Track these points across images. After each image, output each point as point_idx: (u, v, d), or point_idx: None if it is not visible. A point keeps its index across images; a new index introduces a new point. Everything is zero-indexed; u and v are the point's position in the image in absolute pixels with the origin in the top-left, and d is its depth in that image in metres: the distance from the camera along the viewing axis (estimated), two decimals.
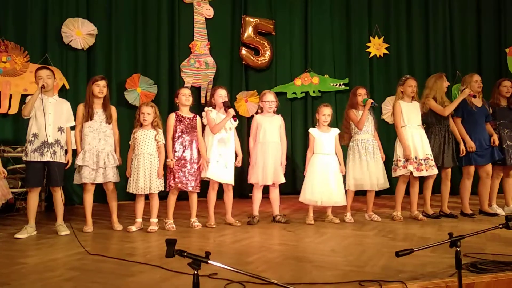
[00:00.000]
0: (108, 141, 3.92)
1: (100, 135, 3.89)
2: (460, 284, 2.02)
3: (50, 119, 3.72)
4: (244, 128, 6.38)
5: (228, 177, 4.10)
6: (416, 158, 4.25)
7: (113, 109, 4.06)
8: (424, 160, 4.25)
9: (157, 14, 6.19)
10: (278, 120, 4.36)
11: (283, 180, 4.27)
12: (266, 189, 4.38)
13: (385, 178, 4.35)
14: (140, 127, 3.93)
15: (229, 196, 4.19)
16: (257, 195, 4.30)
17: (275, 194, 4.32)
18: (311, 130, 4.34)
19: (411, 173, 4.27)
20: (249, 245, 3.31)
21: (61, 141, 3.78)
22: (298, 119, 6.55)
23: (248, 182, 4.34)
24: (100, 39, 5.87)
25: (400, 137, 4.32)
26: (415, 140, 4.28)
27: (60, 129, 3.80)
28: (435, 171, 4.28)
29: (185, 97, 4.05)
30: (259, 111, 4.44)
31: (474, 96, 4.47)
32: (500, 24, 6.89)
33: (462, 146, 4.46)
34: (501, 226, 2.25)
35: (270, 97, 4.34)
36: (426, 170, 4.25)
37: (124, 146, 4.10)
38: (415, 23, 6.88)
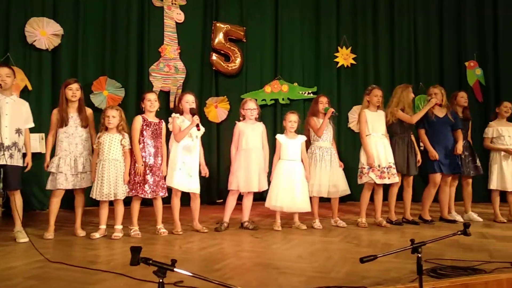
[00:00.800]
0: (85, 145, 3.84)
1: (77, 139, 3.80)
2: None
3: (7, 121, 3.56)
4: (213, 134, 6.37)
5: (192, 186, 4.04)
6: (379, 166, 4.37)
7: (89, 112, 3.97)
8: (387, 168, 4.38)
9: (126, 17, 6.10)
10: (260, 127, 4.38)
11: (266, 187, 4.27)
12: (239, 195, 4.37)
13: (346, 184, 4.44)
14: (105, 131, 3.84)
15: (195, 203, 4.14)
16: (232, 202, 4.29)
17: (249, 201, 4.33)
18: (278, 136, 4.39)
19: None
20: (216, 252, 3.29)
21: (18, 143, 3.64)
22: (268, 126, 6.47)
23: (228, 189, 4.30)
24: (66, 40, 5.71)
25: (364, 145, 4.44)
26: (379, 149, 4.40)
27: (18, 131, 3.65)
28: (396, 179, 4.42)
29: (150, 103, 3.97)
30: (241, 118, 4.43)
31: (440, 105, 4.65)
32: (460, 40, 7.22)
33: (419, 157, 4.63)
34: (459, 232, 2.34)
35: (251, 104, 4.35)
36: (389, 178, 4.38)
37: None
38: (381, 35, 7.10)
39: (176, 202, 4.05)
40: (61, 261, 2.86)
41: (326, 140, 4.45)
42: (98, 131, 3.91)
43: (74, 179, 3.75)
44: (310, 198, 4.36)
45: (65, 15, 5.75)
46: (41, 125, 5.08)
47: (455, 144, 4.66)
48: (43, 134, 5.11)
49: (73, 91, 3.80)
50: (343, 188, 4.43)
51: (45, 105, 5.49)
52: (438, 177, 4.65)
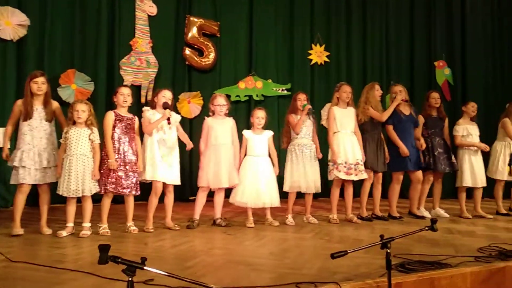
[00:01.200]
0: (49, 139, 3.72)
1: (41, 133, 3.68)
2: (390, 284, 2.13)
3: None
4: (186, 129, 6.26)
5: (173, 177, 4.01)
6: (346, 162, 4.41)
7: (56, 105, 3.85)
8: (354, 165, 4.42)
9: (96, 8, 5.93)
10: (230, 123, 4.35)
11: (237, 182, 4.24)
12: (210, 193, 4.34)
13: (319, 181, 4.47)
14: (72, 126, 3.71)
15: (170, 198, 4.09)
16: (202, 198, 4.25)
17: (220, 197, 4.30)
18: (244, 131, 4.38)
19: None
20: (188, 250, 3.26)
21: None
22: (242, 122, 6.51)
23: (198, 185, 4.27)
24: (32, 31, 5.51)
25: (330, 142, 4.49)
26: (346, 146, 4.44)
27: None
28: (364, 176, 4.47)
29: (123, 97, 3.89)
30: (210, 114, 4.39)
31: (407, 101, 4.75)
32: (430, 40, 7.41)
33: (387, 154, 4.72)
34: (427, 228, 2.40)
35: (221, 100, 4.32)
36: (356, 175, 4.43)
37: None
38: (354, 33, 7.20)
39: (154, 200, 3.99)
40: (26, 260, 2.77)
41: (305, 137, 4.47)
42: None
43: (38, 174, 3.63)
44: (287, 193, 4.39)
45: (31, 4, 5.54)
46: (4, 119, 4.87)
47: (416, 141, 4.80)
48: None
49: (39, 84, 3.68)
50: (318, 184, 4.47)
51: (9, 98, 5.26)
52: (401, 174, 4.76)
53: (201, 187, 4.24)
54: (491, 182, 5.19)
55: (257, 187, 4.20)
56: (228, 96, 6.52)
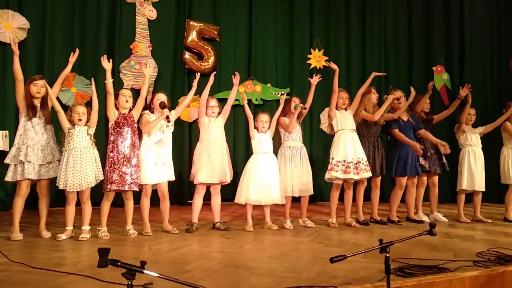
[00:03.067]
0: (50, 135, 3.78)
1: (42, 129, 3.74)
2: None
3: None
4: (185, 133, 6.30)
5: (166, 175, 4.05)
6: (344, 161, 4.39)
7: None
8: (355, 163, 4.37)
9: (96, 12, 5.95)
10: (221, 121, 4.39)
11: (228, 180, 4.26)
12: (207, 196, 4.34)
13: (311, 184, 4.46)
14: (72, 126, 3.71)
15: (165, 204, 4.09)
16: (198, 201, 4.25)
17: (216, 201, 4.29)
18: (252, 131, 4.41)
19: (344, 180, 4.44)
20: (187, 253, 3.26)
21: None
22: (241, 126, 6.58)
23: (194, 183, 4.26)
24: (32, 34, 5.53)
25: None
26: (347, 144, 4.41)
27: None
28: (367, 174, 4.40)
29: (125, 98, 3.94)
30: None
31: (398, 99, 4.74)
32: (429, 45, 7.44)
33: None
34: (425, 232, 2.41)
35: (212, 102, 4.37)
36: (357, 174, 4.38)
37: None
38: (353, 39, 7.23)
39: (145, 202, 3.99)
40: (25, 263, 2.76)
41: (295, 140, 4.48)
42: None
43: (42, 169, 3.65)
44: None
45: (31, 8, 5.56)
46: (4, 120, 4.89)
47: (420, 143, 4.76)
48: (7, 132, 4.92)
49: (38, 87, 3.74)
50: (309, 187, 4.45)
51: (9, 101, 5.28)
52: (404, 180, 4.75)
53: (197, 190, 4.24)
54: (500, 187, 5.14)
55: (268, 183, 4.23)
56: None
